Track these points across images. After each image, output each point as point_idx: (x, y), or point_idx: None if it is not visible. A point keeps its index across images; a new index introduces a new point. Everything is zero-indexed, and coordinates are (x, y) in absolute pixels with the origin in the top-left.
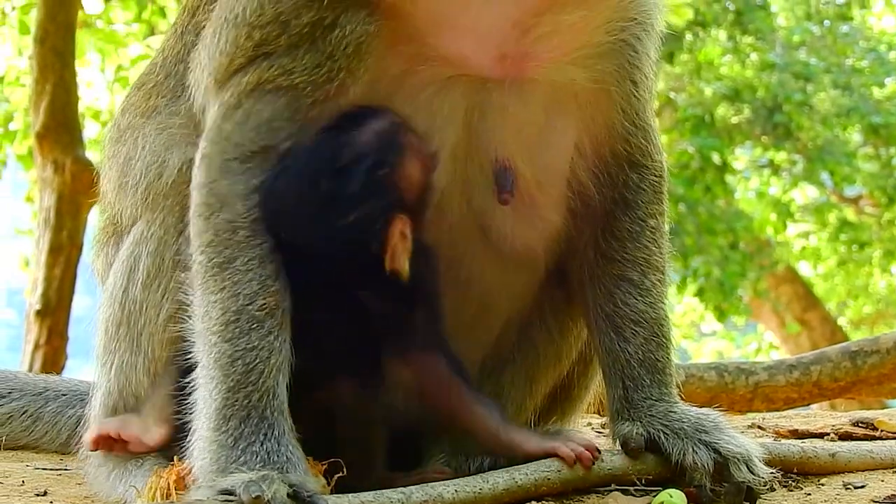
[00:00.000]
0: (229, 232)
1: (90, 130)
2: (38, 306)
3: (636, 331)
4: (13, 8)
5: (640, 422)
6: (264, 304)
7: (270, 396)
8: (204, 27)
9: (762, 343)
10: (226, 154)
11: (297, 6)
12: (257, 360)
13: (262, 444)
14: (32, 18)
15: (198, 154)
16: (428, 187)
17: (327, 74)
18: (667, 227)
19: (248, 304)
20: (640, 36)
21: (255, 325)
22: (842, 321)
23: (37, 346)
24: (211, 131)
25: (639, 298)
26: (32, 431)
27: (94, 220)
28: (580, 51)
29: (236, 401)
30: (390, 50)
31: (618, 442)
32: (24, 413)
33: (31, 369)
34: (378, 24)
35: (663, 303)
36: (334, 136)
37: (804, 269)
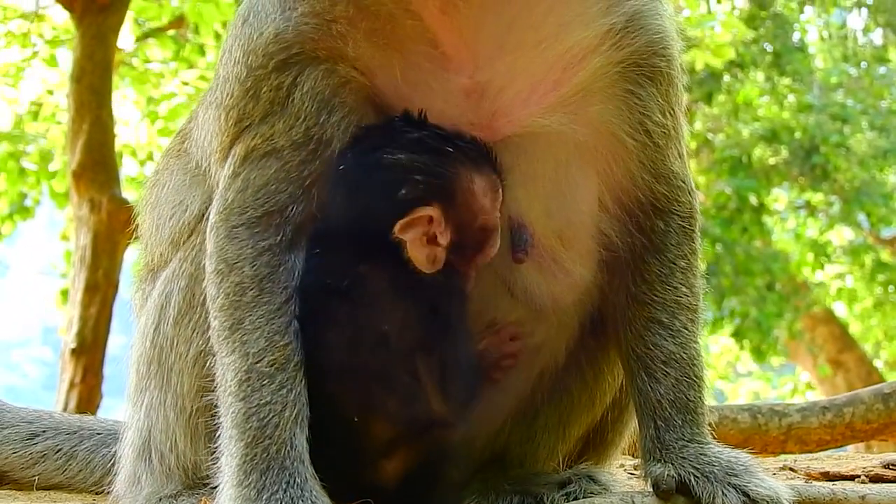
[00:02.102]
0: (238, 294)
1: (128, 168)
2: (73, 345)
3: (667, 371)
4: (43, 39)
5: (672, 463)
6: (273, 359)
7: (289, 447)
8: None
9: (798, 383)
10: (230, 222)
11: (258, 79)
12: (271, 415)
13: (285, 492)
14: (61, 54)
15: (208, 224)
16: (486, 223)
17: (302, 133)
18: (700, 265)
19: (257, 362)
20: (640, 82)
21: (266, 381)
22: (878, 363)
23: (72, 385)
24: (217, 202)
25: (669, 340)
26: (66, 470)
27: (131, 258)
28: (559, 97)
29: (255, 455)
30: (368, 103)
31: (649, 482)
32: (57, 451)
33: (66, 408)
34: (344, 78)
35: (695, 343)
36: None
37: (840, 310)
